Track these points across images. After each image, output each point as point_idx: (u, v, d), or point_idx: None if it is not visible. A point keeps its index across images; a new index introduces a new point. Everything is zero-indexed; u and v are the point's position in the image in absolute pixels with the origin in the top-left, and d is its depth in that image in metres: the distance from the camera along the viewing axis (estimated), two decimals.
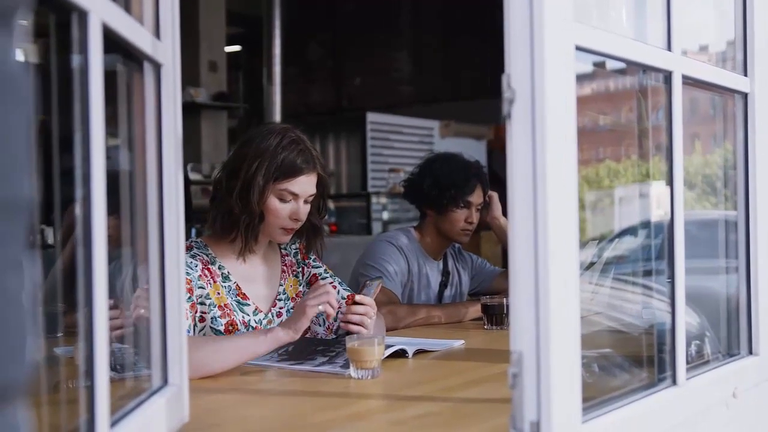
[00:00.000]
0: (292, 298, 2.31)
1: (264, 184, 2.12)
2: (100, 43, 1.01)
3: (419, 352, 2.13)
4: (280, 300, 2.28)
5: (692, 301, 1.60)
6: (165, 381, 1.35)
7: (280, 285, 2.30)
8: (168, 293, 1.35)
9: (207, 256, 2.17)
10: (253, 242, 2.19)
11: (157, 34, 1.33)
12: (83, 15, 0.98)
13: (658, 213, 1.90)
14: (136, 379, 1.41)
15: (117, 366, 1.31)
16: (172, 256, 1.35)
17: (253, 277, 2.24)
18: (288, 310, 2.27)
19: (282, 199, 2.15)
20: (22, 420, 0.56)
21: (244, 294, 2.19)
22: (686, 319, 1.53)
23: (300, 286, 2.34)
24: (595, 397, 1.32)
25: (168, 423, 1.30)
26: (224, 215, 2.16)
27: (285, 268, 2.33)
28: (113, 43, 1.10)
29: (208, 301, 2.10)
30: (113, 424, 1.07)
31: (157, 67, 1.32)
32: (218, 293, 2.13)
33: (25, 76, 0.55)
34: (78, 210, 1.00)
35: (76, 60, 1.00)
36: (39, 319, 0.58)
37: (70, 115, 1.01)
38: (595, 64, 1.45)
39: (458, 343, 2.30)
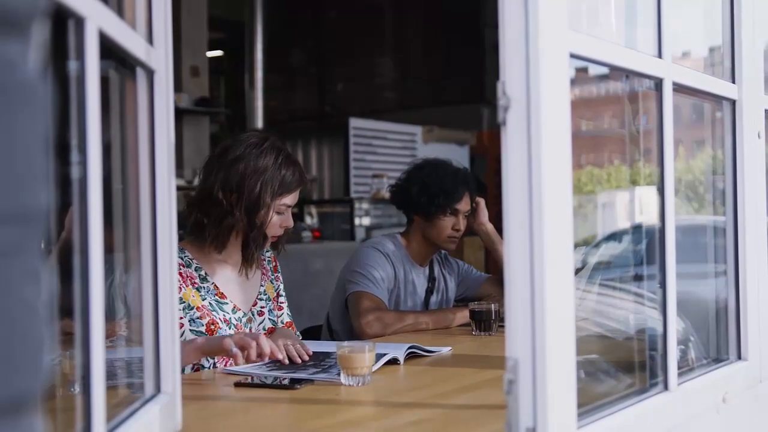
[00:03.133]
0: (273, 299, 2.41)
1: (271, 203, 2.21)
2: (96, 50, 1.00)
3: (411, 357, 2.13)
4: (261, 299, 2.37)
5: (677, 307, 1.61)
6: (158, 389, 1.34)
7: (261, 285, 2.38)
8: (161, 301, 1.34)
9: (182, 258, 2.20)
10: (259, 257, 2.31)
11: (150, 40, 1.32)
12: (80, 21, 0.97)
13: (642, 218, 1.91)
14: (124, 387, 1.40)
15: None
16: (165, 263, 1.35)
17: (233, 278, 2.31)
18: (270, 310, 2.37)
19: (278, 213, 2.25)
20: (40, 429, 0.56)
21: (222, 293, 2.25)
22: None
23: (275, 291, 2.44)
24: (590, 402, 1.32)
25: (161, 431, 1.29)
26: (225, 230, 2.21)
27: (264, 270, 2.42)
28: (107, 49, 1.09)
29: (182, 305, 2.14)
30: None
31: (150, 73, 1.32)
32: (192, 296, 2.19)
33: (42, 85, 0.55)
34: (74, 217, 0.99)
35: (72, 66, 0.99)
36: (54, 328, 0.57)
37: (66, 120, 1.00)
38: (578, 69, 1.45)
39: (446, 350, 2.30)
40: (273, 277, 2.45)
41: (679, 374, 1.53)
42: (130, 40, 1.19)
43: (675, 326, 1.51)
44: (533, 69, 1.15)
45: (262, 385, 1.83)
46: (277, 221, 2.26)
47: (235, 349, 1.90)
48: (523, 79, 1.16)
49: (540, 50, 1.14)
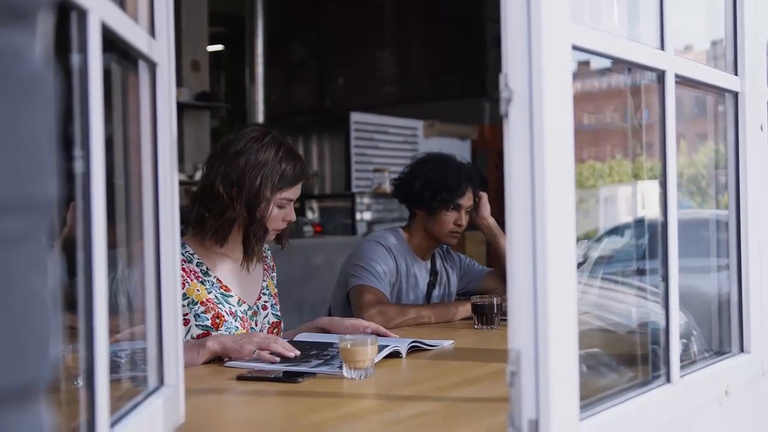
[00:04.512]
0: (274, 294, 2.43)
1: (271, 197, 2.22)
2: (99, 42, 1.00)
3: (413, 350, 2.14)
4: (264, 294, 2.39)
5: (680, 300, 1.61)
6: (161, 382, 1.34)
7: (263, 281, 2.40)
8: (164, 294, 1.34)
9: (183, 254, 2.22)
10: (260, 250, 2.31)
11: (152, 33, 1.32)
12: (83, 14, 0.97)
13: (645, 212, 1.91)
14: (128, 379, 1.40)
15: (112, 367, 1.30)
16: (167, 256, 1.35)
17: (236, 271, 2.32)
18: (272, 305, 2.40)
19: (280, 207, 2.26)
20: (46, 418, 0.56)
21: (226, 286, 2.27)
22: None
23: (274, 288, 2.46)
24: (592, 395, 1.32)
25: (164, 424, 1.29)
26: (227, 225, 2.23)
27: (266, 266, 2.44)
28: (110, 42, 1.09)
29: (185, 301, 2.16)
30: (112, 425, 1.07)
31: (152, 66, 1.32)
32: (197, 290, 2.20)
33: (49, 75, 0.55)
34: (78, 210, 0.99)
35: (75, 58, 0.99)
36: (60, 318, 0.57)
37: (68, 113, 1.00)
38: (580, 63, 1.45)
39: (448, 343, 2.30)
40: (272, 275, 2.47)
41: (682, 367, 1.53)
42: (133, 33, 1.19)
43: (678, 319, 1.51)
44: (535, 61, 1.15)
45: (265, 379, 1.84)
46: (279, 215, 2.26)
47: (257, 351, 1.99)
48: (525, 71, 1.16)
49: (542, 42, 1.14)
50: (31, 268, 0.53)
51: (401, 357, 2.07)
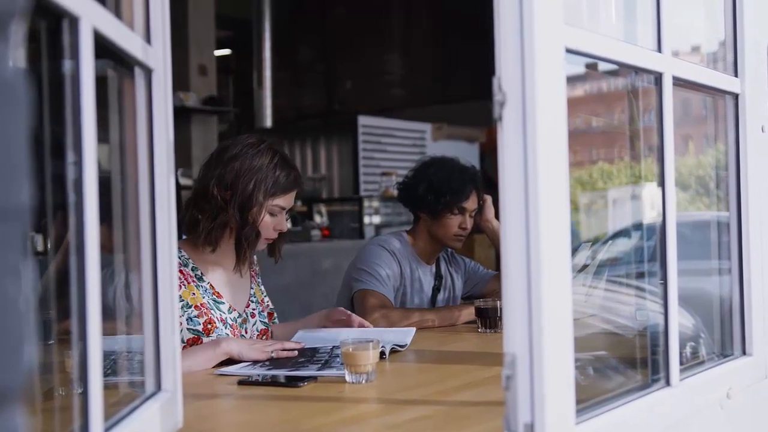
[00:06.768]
0: (260, 301, 2.45)
1: (263, 202, 2.24)
2: (91, 49, 1.00)
3: (393, 352, 2.17)
4: (252, 302, 2.41)
5: (686, 303, 1.60)
6: (158, 387, 1.34)
7: (251, 288, 2.43)
8: (161, 299, 1.35)
9: (179, 258, 2.23)
10: (251, 255, 2.33)
11: (147, 39, 1.32)
12: (74, 21, 0.98)
13: (651, 215, 1.91)
14: (126, 384, 1.41)
15: (108, 371, 1.31)
16: (164, 261, 1.35)
17: (227, 279, 2.34)
18: (260, 312, 2.42)
19: (272, 214, 2.28)
20: (20, 424, 0.56)
21: (219, 293, 2.29)
22: (680, 321, 1.53)
23: (262, 294, 2.48)
24: (590, 398, 1.32)
25: (162, 429, 1.30)
26: (219, 228, 2.24)
27: (253, 274, 2.46)
28: (103, 48, 1.10)
29: (180, 303, 2.17)
30: (107, 430, 1.07)
31: (148, 72, 1.32)
32: (193, 294, 2.23)
33: (22, 82, 0.55)
34: (70, 217, 0.99)
35: (67, 65, 1.00)
36: (35, 325, 0.58)
37: (61, 120, 1.00)
38: (587, 66, 1.45)
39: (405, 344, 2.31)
40: (259, 281, 2.50)
41: (683, 370, 1.53)
42: (127, 40, 1.19)
43: (677, 321, 1.51)
44: (528, 64, 1.15)
45: (266, 383, 1.84)
46: (271, 223, 2.28)
47: (276, 352, 2.10)
48: (518, 75, 1.16)
49: (535, 45, 1.14)
50: (6, 274, 0.53)
51: (385, 359, 2.08)
